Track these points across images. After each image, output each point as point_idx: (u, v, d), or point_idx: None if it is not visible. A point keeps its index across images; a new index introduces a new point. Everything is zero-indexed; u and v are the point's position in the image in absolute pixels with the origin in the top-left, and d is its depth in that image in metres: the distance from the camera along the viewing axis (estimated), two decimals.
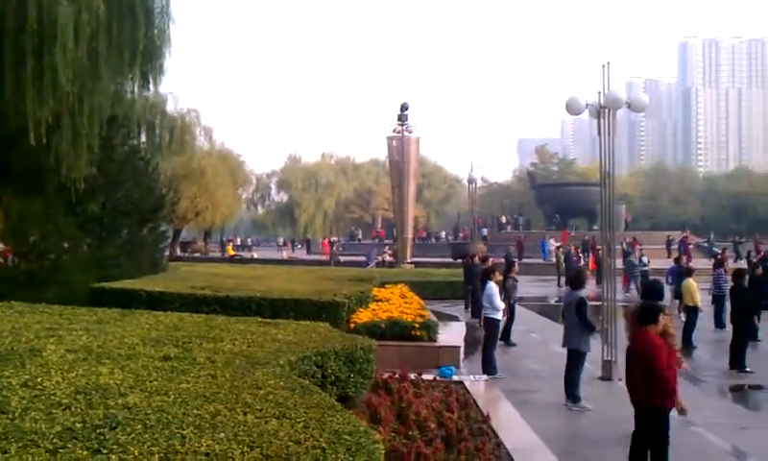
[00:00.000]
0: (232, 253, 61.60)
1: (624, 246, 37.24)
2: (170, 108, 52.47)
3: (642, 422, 7.48)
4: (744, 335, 15.06)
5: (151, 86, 20.14)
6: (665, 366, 7.28)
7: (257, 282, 18.03)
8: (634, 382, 7.52)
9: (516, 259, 21.93)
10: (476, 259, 24.42)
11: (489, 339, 13.87)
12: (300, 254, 69.55)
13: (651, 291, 9.89)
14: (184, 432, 4.87)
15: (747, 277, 16.51)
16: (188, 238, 74.23)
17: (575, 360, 11.51)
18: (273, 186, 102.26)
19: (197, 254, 64.42)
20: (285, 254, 65.03)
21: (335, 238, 74.01)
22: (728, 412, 11.89)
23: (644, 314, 7.68)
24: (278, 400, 5.87)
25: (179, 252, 62.51)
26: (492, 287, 14.07)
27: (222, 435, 4.86)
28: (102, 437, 4.71)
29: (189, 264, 36.50)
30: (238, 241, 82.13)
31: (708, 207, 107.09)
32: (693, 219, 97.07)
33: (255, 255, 63.65)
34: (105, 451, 4.45)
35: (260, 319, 11.01)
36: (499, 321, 14.25)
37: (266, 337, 9.11)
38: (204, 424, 5.13)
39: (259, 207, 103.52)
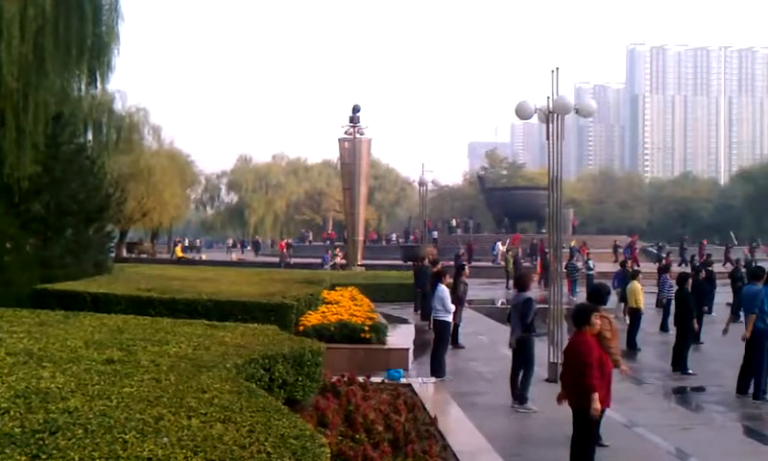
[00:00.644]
0: (180, 254, 60.85)
1: (570, 249, 37.75)
2: (118, 106, 51.78)
3: (575, 421, 7.59)
4: (687, 338, 15.36)
5: (98, 84, 19.85)
6: (595, 366, 7.39)
7: (205, 284, 17.85)
8: (566, 382, 7.65)
9: (465, 263, 22.07)
10: (427, 262, 24.55)
11: (439, 341, 13.92)
12: (248, 255, 69.00)
13: (595, 293, 10.03)
14: (126, 437, 4.79)
15: (690, 281, 16.86)
16: (135, 239, 73.06)
17: (521, 362, 11.62)
18: (222, 187, 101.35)
19: (144, 256, 63.46)
20: (234, 256, 64.50)
21: (288, 240, 73.60)
22: (670, 413, 12.11)
23: (577, 316, 7.83)
24: (224, 404, 5.81)
25: (125, 253, 61.54)
26: (444, 290, 14.13)
27: (165, 440, 4.79)
28: (41, 442, 4.60)
29: (135, 265, 36.01)
30: (186, 242, 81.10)
31: (655, 212, 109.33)
32: (640, 224, 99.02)
33: (204, 257, 63.03)
34: (44, 457, 4.35)
35: (207, 322, 10.89)
36: (450, 323, 14.33)
37: (212, 340, 9.01)
38: (148, 428, 5.04)
39: (208, 208, 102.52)
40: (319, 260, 48.53)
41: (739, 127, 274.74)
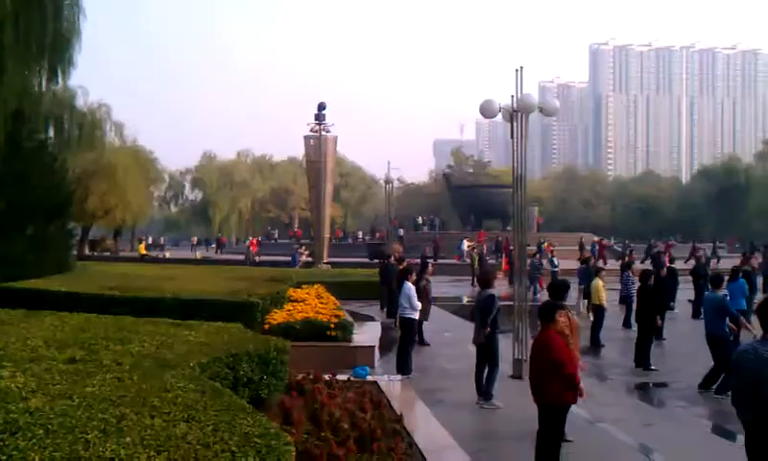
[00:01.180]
0: (143, 252, 60.23)
1: (538, 246, 38.00)
2: (80, 102, 50.98)
3: (541, 417, 7.66)
4: (649, 334, 15.55)
5: (60, 80, 19.62)
6: (562, 363, 7.48)
7: (169, 283, 17.69)
8: (533, 379, 7.71)
9: (429, 260, 22.12)
10: (393, 260, 24.57)
11: (405, 339, 13.94)
12: (212, 253, 68.49)
13: (555, 288, 10.14)
14: (88, 437, 4.73)
15: (653, 277, 17.06)
16: (98, 237, 72.19)
17: (486, 358, 11.69)
18: (186, 184, 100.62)
19: (106, 254, 62.80)
20: (199, 254, 64.00)
21: (259, 237, 73.07)
22: (634, 409, 12.27)
23: (542, 312, 7.91)
24: (187, 403, 5.76)
25: (87, 251, 60.90)
26: (410, 287, 14.15)
27: (128, 439, 4.74)
28: (1, 443, 4.53)
29: (98, 263, 35.60)
30: (150, 240, 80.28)
31: (617, 210, 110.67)
32: (603, 221, 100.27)
33: (168, 255, 62.44)
34: (4, 458, 4.29)
35: (171, 320, 10.76)
36: (416, 321, 14.37)
37: (176, 339, 8.93)
38: (110, 428, 4.99)
39: (172, 206, 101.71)
40: (287, 258, 48.22)
41: (700, 126, 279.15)
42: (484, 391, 11.53)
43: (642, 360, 15.26)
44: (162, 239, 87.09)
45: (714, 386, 12.73)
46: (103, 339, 8.65)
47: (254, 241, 60.03)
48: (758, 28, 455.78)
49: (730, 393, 5.85)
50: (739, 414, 5.45)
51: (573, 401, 7.69)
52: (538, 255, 32.77)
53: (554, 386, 7.45)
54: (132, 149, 65.69)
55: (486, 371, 11.65)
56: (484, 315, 11.67)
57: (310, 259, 44.55)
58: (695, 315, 22.68)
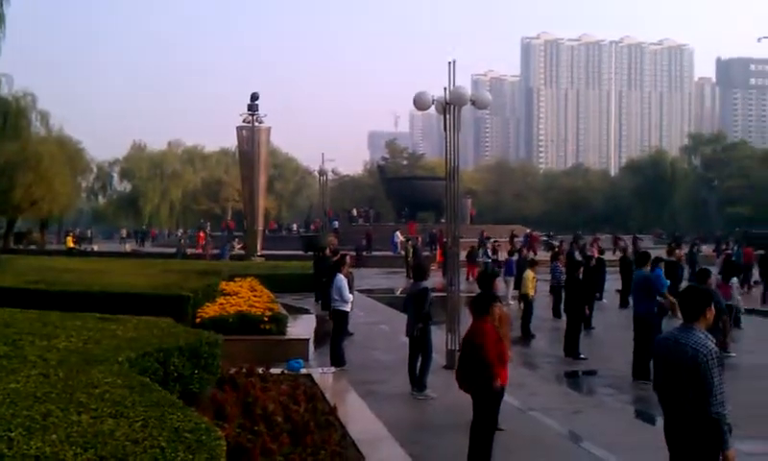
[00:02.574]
0: (71, 245, 58.74)
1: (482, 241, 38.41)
2: (4, 91, 49.64)
3: (476, 406, 7.74)
4: (578, 324, 15.89)
5: None
6: (497, 354, 7.59)
7: (97, 276, 17.36)
8: (467, 370, 7.77)
9: (350, 253, 22.02)
10: (328, 252, 24.52)
11: (337, 331, 13.94)
12: (147, 246, 67.18)
13: (483, 278, 10.29)
14: (12, 434, 4.62)
15: (581, 268, 17.45)
16: (23, 229, 70.15)
17: (419, 349, 11.77)
18: (115, 175, 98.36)
19: (33, 247, 60.99)
20: (128, 247, 62.73)
21: (207, 229, 71.39)
22: (563, 397, 12.50)
23: (478, 305, 7.98)
24: (115, 399, 5.66)
25: (12, 244, 59.16)
26: (342, 279, 14.14)
27: (53, 436, 4.64)
28: None
29: (24, 257, 34.74)
30: (78, 233, 78.32)
31: (548, 202, 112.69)
32: (534, 213, 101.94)
33: (96, 248, 61.02)
34: None
35: (99, 315, 10.54)
36: (347, 313, 14.36)
37: (104, 334, 8.75)
38: (35, 425, 4.88)
39: (100, 197, 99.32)
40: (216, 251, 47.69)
41: (628, 120, 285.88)
42: (417, 381, 11.62)
43: (572, 349, 15.57)
44: (89, 231, 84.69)
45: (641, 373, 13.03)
46: (27, 334, 8.43)
47: (202, 234, 57.93)
48: (684, 25, 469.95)
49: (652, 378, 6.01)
50: (659, 400, 5.61)
51: (503, 384, 7.81)
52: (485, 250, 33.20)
53: (483, 377, 7.54)
54: (59, 139, 63.93)
55: (419, 361, 11.74)
56: (417, 308, 11.75)
57: (243, 252, 44.16)
58: (623, 304, 23.31)
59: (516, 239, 39.34)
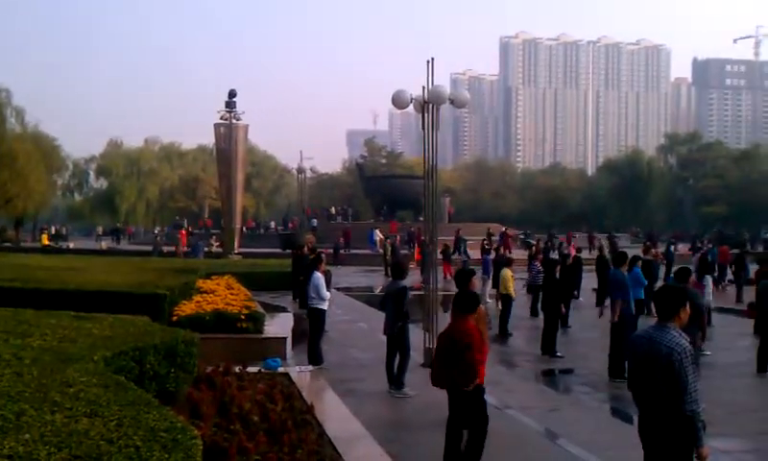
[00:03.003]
0: (46, 242, 58.16)
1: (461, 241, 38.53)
2: None
3: (462, 405, 7.72)
4: (555, 322, 15.97)
5: None
6: (483, 352, 7.61)
7: (73, 274, 17.21)
8: (451, 368, 7.75)
9: (321, 252, 21.84)
10: (306, 250, 24.46)
11: (314, 330, 13.89)
12: (122, 244, 66.60)
13: (461, 275, 10.31)
14: None
15: (558, 267, 17.53)
16: None
17: (397, 348, 11.77)
18: (91, 173, 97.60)
19: (7, 244, 60.34)
20: (104, 245, 62.21)
21: (189, 228, 70.70)
22: (540, 395, 12.57)
23: (464, 303, 7.95)
24: (90, 398, 5.61)
25: None
26: (319, 277, 14.08)
27: (27, 436, 4.59)
28: None
29: None
30: (53, 230, 77.54)
31: (526, 201, 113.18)
32: (512, 212, 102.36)
33: (72, 246, 60.46)
34: None
35: (74, 313, 10.44)
36: (325, 311, 14.31)
37: (79, 332, 8.67)
38: (8, 424, 4.82)
39: (76, 195, 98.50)
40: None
41: (606, 120, 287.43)
42: (395, 380, 11.62)
43: (549, 348, 15.65)
44: (63, 229, 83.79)
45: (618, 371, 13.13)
46: (2, 332, 8.33)
47: (183, 232, 56.96)
48: (661, 25, 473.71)
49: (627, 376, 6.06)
50: (634, 397, 5.66)
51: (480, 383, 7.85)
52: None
53: (470, 375, 7.55)
54: (34, 135, 63.42)
55: (397, 360, 11.74)
56: (397, 306, 11.74)
57: (220, 250, 43.94)
58: (599, 303, 23.44)
59: (492, 237, 39.50)
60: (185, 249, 46.62)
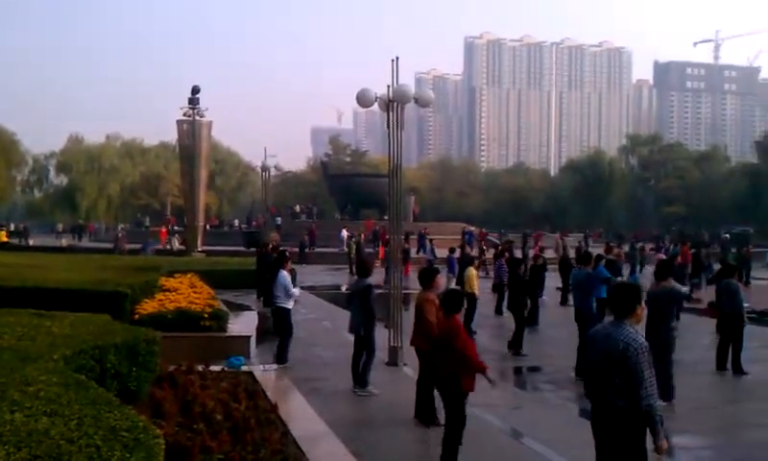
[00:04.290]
0: (5, 239, 57.08)
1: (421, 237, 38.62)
2: None
3: (450, 404, 7.77)
4: (522, 321, 16.08)
5: None
6: (474, 349, 7.77)
7: (32, 271, 16.91)
8: (441, 366, 7.80)
9: (286, 250, 21.73)
10: (270, 248, 24.35)
11: (282, 329, 13.78)
12: (84, 241, 65.64)
13: (425, 274, 10.39)
14: None
15: (524, 266, 17.67)
16: None
17: (363, 346, 11.77)
18: (51, 168, 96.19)
19: None
20: (65, 242, 61.25)
21: (171, 225, 69.49)
22: (504, 393, 12.62)
23: (450, 302, 8.05)
24: (50, 397, 5.53)
25: None
26: (285, 276, 13.99)
27: None
28: None
29: None
30: (12, 227, 76.15)
31: (490, 201, 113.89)
32: (476, 212, 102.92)
33: (32, 242, 59.48)
34: None
35: (33, 311, 10.26)
36: (290, 310, 14.23)
37: (39, 330, 8.53)
38: None
39: (36, 191, 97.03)
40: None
41: (569, 120, 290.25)
42: (360, 378, 11.61)
43: (515, 345, 15.74)
44: (21, 226, 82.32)
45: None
46: None
47: (164, 231, 54.73)
48: (623, 28, 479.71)
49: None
50: (587, 392, 5.75)
51: (472, 389, 7.88)
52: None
53: (463, 373, 7.61)
54: None
55: (362, 358, 11.73)
56: (362, 305, 11.73)
57: (183, 247, 43.53)
58: (563, 302, 23.70)
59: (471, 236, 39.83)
60: (129, 245, 45.19)
